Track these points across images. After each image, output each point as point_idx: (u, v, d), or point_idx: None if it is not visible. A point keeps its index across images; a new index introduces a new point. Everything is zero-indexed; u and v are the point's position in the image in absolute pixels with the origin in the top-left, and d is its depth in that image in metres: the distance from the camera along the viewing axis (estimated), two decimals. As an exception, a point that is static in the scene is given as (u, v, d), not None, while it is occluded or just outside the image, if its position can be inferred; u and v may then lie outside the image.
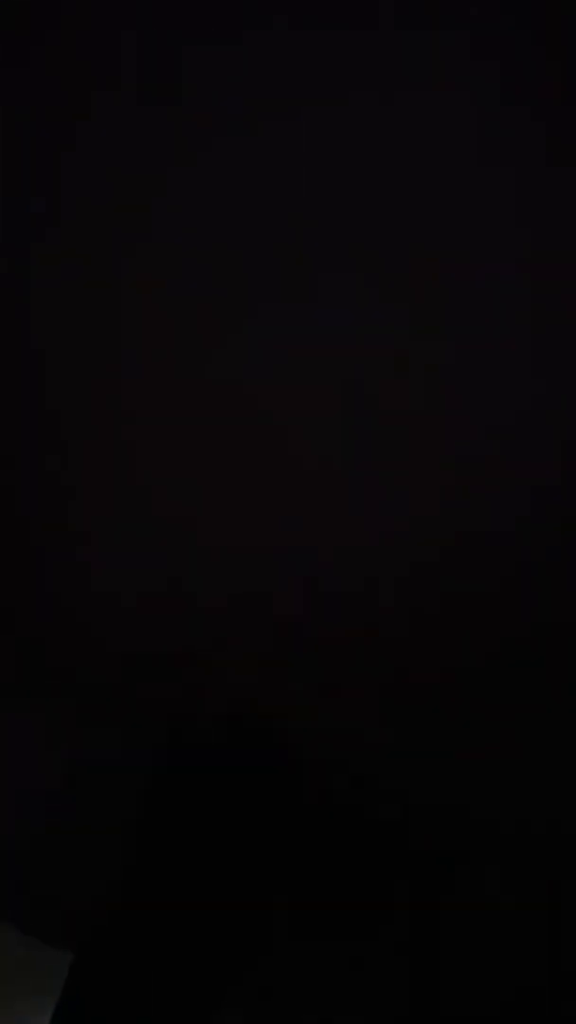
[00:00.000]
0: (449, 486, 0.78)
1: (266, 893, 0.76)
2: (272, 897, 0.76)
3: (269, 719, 0.78)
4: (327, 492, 0.79)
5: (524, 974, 0.76)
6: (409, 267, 0.77)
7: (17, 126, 0.78)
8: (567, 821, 0.77)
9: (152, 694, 0.79)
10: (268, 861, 0.76)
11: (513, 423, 0.77)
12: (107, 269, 0.78)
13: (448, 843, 0.76)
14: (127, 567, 0.80)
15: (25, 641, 0.81)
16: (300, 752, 0.78)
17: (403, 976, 0.75)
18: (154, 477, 0.81)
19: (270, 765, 0.77)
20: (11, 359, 0.80)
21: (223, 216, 0.77)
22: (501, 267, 0.76)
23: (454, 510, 0.78)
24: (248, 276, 0.77)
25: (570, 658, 0.77)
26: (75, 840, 0.77)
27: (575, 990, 0.75)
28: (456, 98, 0.75)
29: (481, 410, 0.77)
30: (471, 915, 0.76)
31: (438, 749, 0.78)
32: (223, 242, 0.77)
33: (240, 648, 0.79)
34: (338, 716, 0.78)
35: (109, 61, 0.76)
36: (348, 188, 0.76)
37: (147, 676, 0.80)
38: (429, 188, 0.76)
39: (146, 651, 0.80)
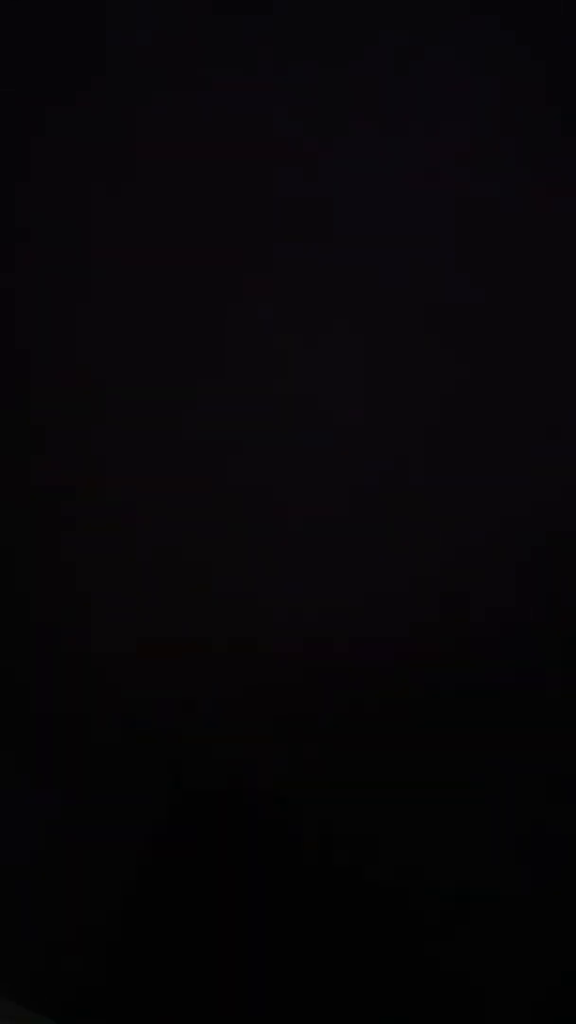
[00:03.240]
0: (448, 549, 0.78)
1: (263, 956, 0.75)
2: (270, 959, 0.75)
3: (269, 777, 0.77)
4: (327, 545, 0.79)
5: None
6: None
7: None
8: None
9: (153, 747, 0.79)
10: (266, 924, 0.75)
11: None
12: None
13: (445, 906, 0.76)
14: (128, 616, 0.80)
15: (24, 690, 0.81)
16: (300, 812, 0.77)
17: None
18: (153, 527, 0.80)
19: (269, 822, 0.76)
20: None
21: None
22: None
23: (450, 570, 0.78)
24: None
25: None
26: (72, 898, 0.76)
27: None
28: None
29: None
30: (470, 978, 0.75)
31: (441, 815, 0.77)
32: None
33: (241, 700, 0.78)
34: (336, 777, 0.78)
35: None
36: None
37: (148, 728, 0.79)
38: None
39: (147, 699, 0.79)
